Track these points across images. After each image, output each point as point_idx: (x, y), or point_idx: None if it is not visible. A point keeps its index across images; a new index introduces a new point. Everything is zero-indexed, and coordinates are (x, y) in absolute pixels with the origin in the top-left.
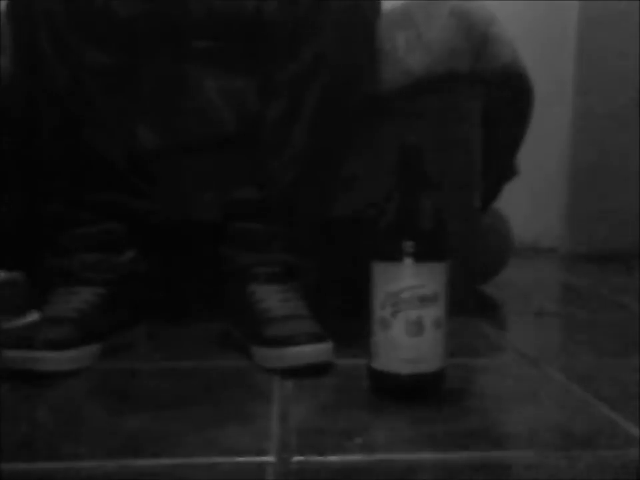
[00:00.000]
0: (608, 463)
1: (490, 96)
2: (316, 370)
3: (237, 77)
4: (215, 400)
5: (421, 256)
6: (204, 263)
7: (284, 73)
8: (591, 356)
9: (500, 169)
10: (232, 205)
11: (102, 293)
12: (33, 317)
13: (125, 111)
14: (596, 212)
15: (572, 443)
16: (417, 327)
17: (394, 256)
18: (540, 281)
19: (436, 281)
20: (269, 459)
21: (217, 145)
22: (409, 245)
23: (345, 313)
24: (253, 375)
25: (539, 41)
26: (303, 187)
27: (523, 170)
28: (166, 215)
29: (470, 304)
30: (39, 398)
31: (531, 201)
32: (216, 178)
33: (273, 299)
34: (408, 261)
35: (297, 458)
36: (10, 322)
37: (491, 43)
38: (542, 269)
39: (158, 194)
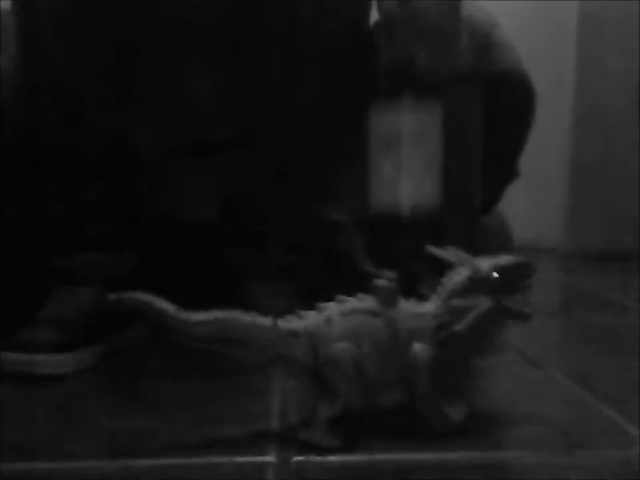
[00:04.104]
0: (608, 463)
1: (492, 99)
2: None
3: (236, 77)
4: (214, 400)
5: None
6: (204, 262)
7: (280, 73)
8: (591, 356)
9: (502, 171)
10: (232, 205)
11: (102, 294)
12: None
13: (126, 111)
14: (596, 212)
15: (572, 442)
16: None
17: None
18: (540, 281)
19: None
20: (269, 459)
21: (217, 145)
22: None
23: None
24: (252, 375)
25: (539, 41)
26: (300, 186)
27: (523, 170)
28: (165, 214)
29: None
30: (39, 398)
31: (531, 201)
32: (216, 178)
33: (268, 297)
34: None
35: (296, 458)
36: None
37: (494, 45)
38: (542, 269)
39: (158, 194)
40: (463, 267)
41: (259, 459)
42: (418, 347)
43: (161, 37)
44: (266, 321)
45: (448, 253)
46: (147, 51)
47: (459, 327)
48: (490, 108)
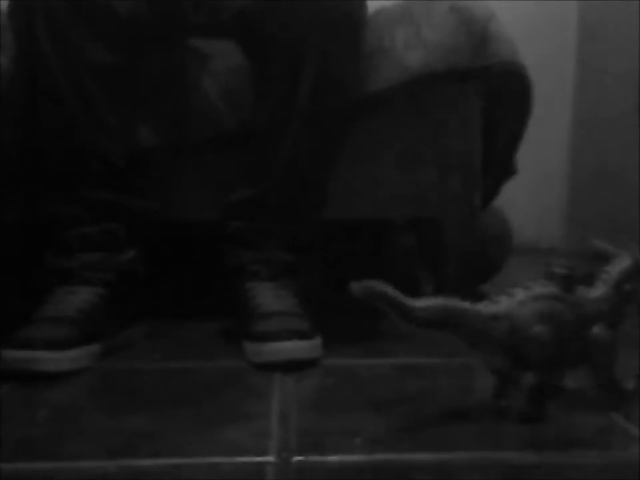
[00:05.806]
0: (608, 463)
1: (489, 93)
2: (296, 366)
3: (236, 76)
4: (214, 400)
5: None
6: (203, 261)
7: (276, 72)
8: None
9: (499, 166)
10: (231, 205)
11: (102, 293)
12: None
13: (125, 110)
14: (596, 212)
15: (572, 442)
16: None
17: None
18: None
19: None
20: (269, 458)
21: (217, 144)
22: None
23: (346, 312)
24: (252, 375)
25: (539, 41)
26: (298, 185)
27: (523, 170)
28: (165, 214)
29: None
30: (39, 398)
31: (531, 201)
32: (215, 177)
33: (265, 295)
34: None
35: (296, 458)
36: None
37: (490, 39)
38: (542, 269)
39: (158, 194)
40: (622, 257)
41: (259, 458)
42: (598, 329)
43: (157, 35)
44: (472, 306)
45: (609, 247)
46: (145, 49)
47: (629, 309)
48: (486, 101)
